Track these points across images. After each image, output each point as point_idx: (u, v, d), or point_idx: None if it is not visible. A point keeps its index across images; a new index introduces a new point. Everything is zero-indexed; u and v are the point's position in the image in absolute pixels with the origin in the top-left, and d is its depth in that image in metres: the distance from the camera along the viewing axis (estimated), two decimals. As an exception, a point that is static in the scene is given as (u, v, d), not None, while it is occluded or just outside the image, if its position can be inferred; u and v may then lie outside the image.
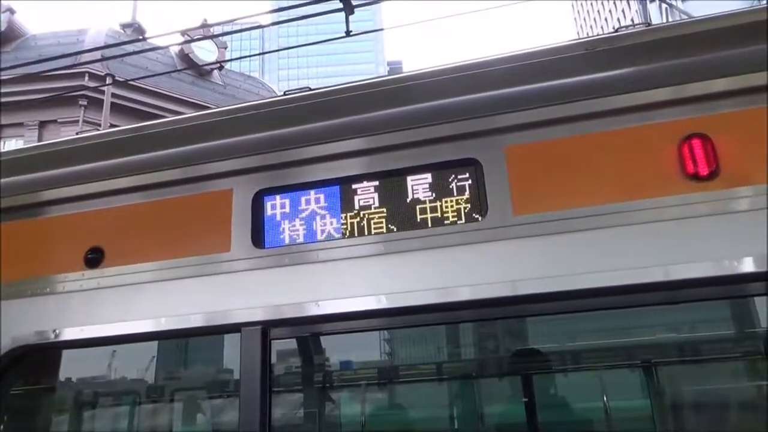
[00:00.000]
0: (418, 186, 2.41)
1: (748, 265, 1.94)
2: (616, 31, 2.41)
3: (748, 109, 2.09)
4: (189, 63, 19.19)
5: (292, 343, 3.08)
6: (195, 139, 2.74)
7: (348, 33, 4.20)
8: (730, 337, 3.27)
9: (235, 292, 2.46)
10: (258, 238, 2.53)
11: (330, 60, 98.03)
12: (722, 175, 2.05)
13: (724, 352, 3.46)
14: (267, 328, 2.39)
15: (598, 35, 2.49)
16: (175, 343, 3.90)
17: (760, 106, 2.07)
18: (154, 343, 3.65)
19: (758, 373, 3.03)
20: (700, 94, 2.14)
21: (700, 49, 2.19)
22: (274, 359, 2.44)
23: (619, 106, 2.21)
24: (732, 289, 2.11)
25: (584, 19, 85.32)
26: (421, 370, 4.44)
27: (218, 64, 18.86)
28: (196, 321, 2.46)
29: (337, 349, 3.74)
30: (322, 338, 3.04)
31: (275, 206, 2.57)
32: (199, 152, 2.70)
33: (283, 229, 2.53)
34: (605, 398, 3.47)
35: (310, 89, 2.72)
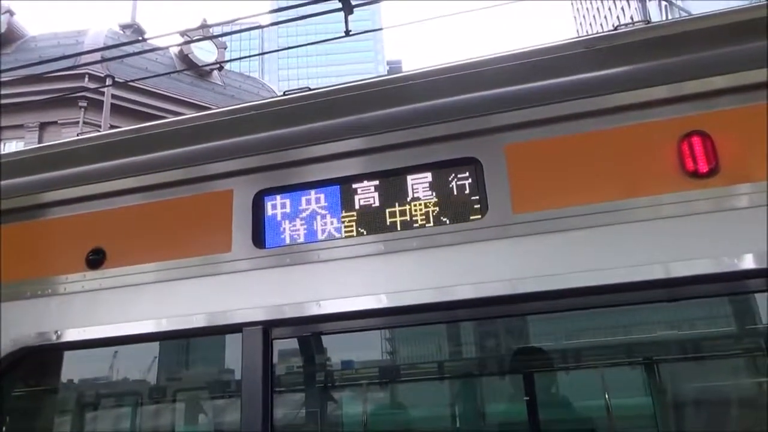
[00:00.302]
0: (419, 185, 2.41)
1: (748, 262, 1.94)
2: (616, 29, 2.41)
3: (747, 106, 2.09)
4: (188, 64, 19.21)
5: (293, 343, 3.08)
6: (195, 139, 2.75)
7: (347, 33, 4.20)
8: (731, 334, 3.27)
9: (237, 292, 2.46)
10: (259, 238, 2.53)
11: (330, 60, 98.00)
12: (722, 172, 2.05)
13: (724, 349, 3.46)
14: (268, 328, 2.40)
15: (597, 33, 2.49)
16: (176, 343, 3.90)
17: (759, 103, 2.07)
18: (155, 344, 3.65)
19: (759, 370, 3.03)
20: (699, 91, 2.14)
21: (700, 46, 2.19)
22: (275, 359, 2.44)
23: (619, 104, 2.21)
24: (732, 286, 2.12)
25: (584, 17, 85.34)
26: (422, 369, 4.44)
27: (218, 65, 18.87)
28: (197, 321, 2.47)
29: (338, 349, 3.74)
30: (323, 338, 3.04)
31: (276, 206, 2.57)
32: (200, 153, 2.70)
33: (284, 229, 2.53)
34: (606, 396, 3.47)
35: (310, 89, 2.72)
